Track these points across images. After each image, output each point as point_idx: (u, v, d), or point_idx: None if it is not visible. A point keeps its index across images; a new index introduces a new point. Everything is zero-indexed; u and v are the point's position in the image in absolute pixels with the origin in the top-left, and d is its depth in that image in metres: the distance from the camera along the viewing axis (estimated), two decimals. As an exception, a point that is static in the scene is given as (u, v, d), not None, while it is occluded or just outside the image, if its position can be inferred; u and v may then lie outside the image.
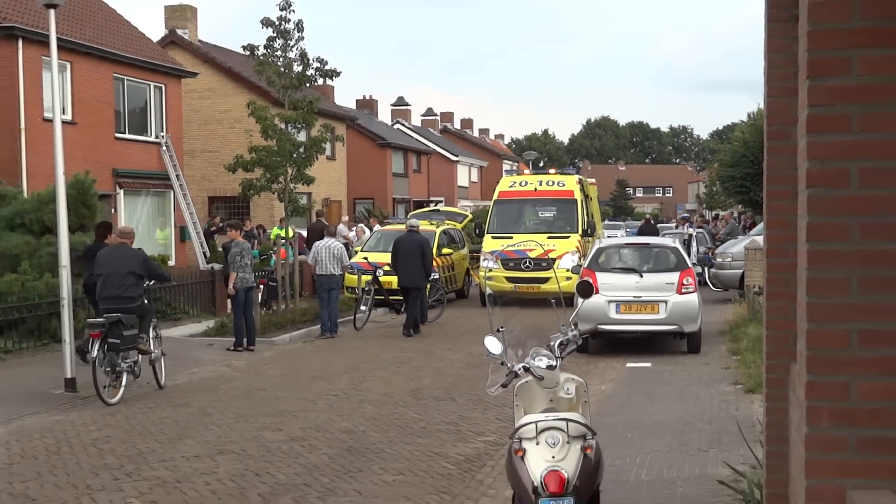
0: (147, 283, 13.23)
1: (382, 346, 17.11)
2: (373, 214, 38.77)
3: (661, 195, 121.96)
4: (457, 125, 79.57)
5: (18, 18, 23.05)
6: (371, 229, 28.43)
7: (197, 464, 8.79)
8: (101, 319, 11.90)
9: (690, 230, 33.01)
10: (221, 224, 27.12)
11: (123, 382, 12.00)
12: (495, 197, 25.48)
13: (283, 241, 21.35)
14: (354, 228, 30.69)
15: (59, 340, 13.14)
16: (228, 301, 17.19)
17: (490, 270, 22.31)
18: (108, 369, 11.82)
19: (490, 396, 6.69)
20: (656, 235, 27.82)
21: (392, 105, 67.69)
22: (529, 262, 22.25)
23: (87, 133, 25.28)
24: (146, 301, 13.40)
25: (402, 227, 21.72)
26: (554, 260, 21.83)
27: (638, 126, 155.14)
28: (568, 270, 21.35)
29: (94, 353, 11.57)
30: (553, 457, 5.39)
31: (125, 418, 10.92)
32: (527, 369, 5.90)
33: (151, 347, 12.77)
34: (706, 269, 25.44)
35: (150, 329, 12.88)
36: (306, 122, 20.66)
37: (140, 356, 12.47)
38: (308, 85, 21.03)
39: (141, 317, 12.54)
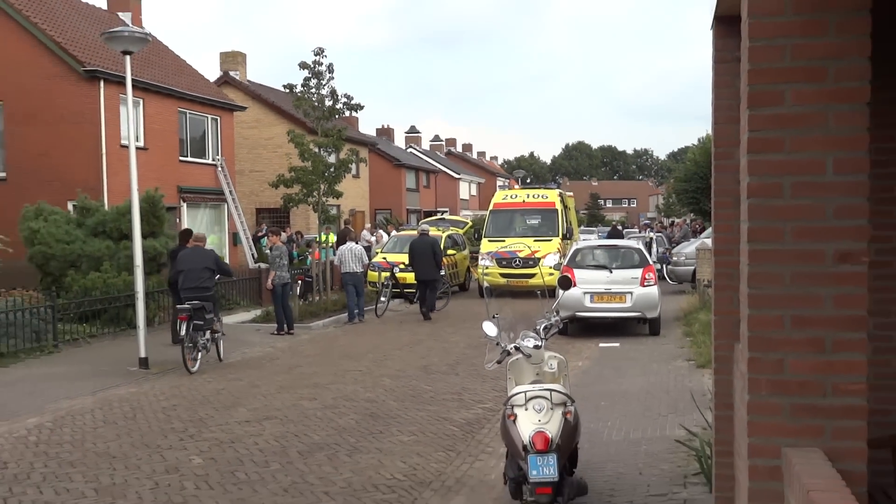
0: (216, 276, 13.40)
1: (398, 330, 17.10)
2: (390, 222, 38.78)
3: (626, 206, 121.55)
4: (459, 149, 79.42)
5: (100, 63, 23.08)
6: (389, 234, 28.41)
7: (247, 427, 8.80)
8: (187, 306, 12.29)
9: (651, 234, 32.92)
10: (266, 231, 27.12)
11: (199, 356, 12.34)
12: (491, 207, 25.43)
13: (318, 244, 21.35)
14: (375, 234, 30.67)
15: (134, 327, 13.20)
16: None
17: (487, 268, 22.27)
18: (191, 345, 12.18)
19: (487, 371, 6.67)
20: (622, 238, 27.76)
21: (406, 132, 67.64)
22: (519, 261, 22.22)
23: (156, 157, 25.29)
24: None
25: (415, 232, 21.70)
26: (539, 259, 21.81)
27: (608, 149, 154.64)
28: (551, 268, 21.29)
29: (183, 332, 12.02)
30: (539, 420, 5.39)
31: (188, 390, 10.93)
32: (517, 348, 5.90)
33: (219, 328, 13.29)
34: (664, 266, 25.36)
35: (218, 314, 13.33)
36: (336, 147, 20.67)
37: (210, 335, 12.80)
38: (337, 116, 21.04)
39: (213, 303, 12.91)
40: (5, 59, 22.88)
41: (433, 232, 22.19)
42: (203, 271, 12.79)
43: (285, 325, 16.26)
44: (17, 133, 23.31)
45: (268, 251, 17.34)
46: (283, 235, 22.25)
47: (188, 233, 15.03)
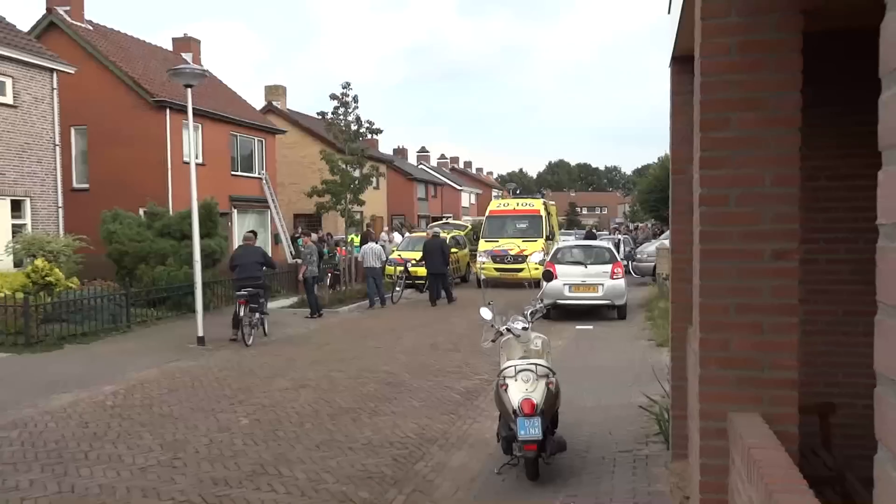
0: (264, 269, 13.51)
1: (410, 315, 17.07)
2: (404, 225, 38.68)
3: (599, 213, 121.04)
4: (461, 165, 79.16)
5: (167, 95, 23.12)
6: (403, 235, 28.37)
7: (286, 394, 8.80)
8: (244, 293, 12.57)
9: (619, 236, 32.84)
10: (301, 232, 27.08)
11: (253, 332, 12.60)
12: (487, 214, 25.37)
13: (346, 244, 21.35)
14: (390, 235, 30.61)
15: (193, 311, 13.20)
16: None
17: (483, 263, 22.24)
18: (247, 324, 12.43)
19: (484, 348, 6.67)
20: (595, 240, 27.70)
21: (417, 152, 67.53)
22: (510, 258, 22.19)
23: (212, 171, 25.29)
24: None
25: (425, 234, 21.68)
26: (527, 256, 21.75)
27: (584, 166, 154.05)
28: (536, 263, 21.20)
29: (242, 313, 12.36)
30: (527, 389, 5.38)
31: (237, 364, 10.93)
32: (508, 330, 5.89)
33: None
34: (630, 263, 25.32)
35: (267, 299, 13.67)
36: (359, 164, 20.70)
37: (260, 316, 13.06)
38: (361, 138, 21.05)
39: (265, 290, 13.26)
40: (91, 93, 22.97)
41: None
42: (254, 265, 13.07)
43: (316, 310, 16.26)
44: (99, 153, 23.40)
45: (302, 249, 17.39)
46: (314, 236, 22.26)
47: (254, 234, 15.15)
